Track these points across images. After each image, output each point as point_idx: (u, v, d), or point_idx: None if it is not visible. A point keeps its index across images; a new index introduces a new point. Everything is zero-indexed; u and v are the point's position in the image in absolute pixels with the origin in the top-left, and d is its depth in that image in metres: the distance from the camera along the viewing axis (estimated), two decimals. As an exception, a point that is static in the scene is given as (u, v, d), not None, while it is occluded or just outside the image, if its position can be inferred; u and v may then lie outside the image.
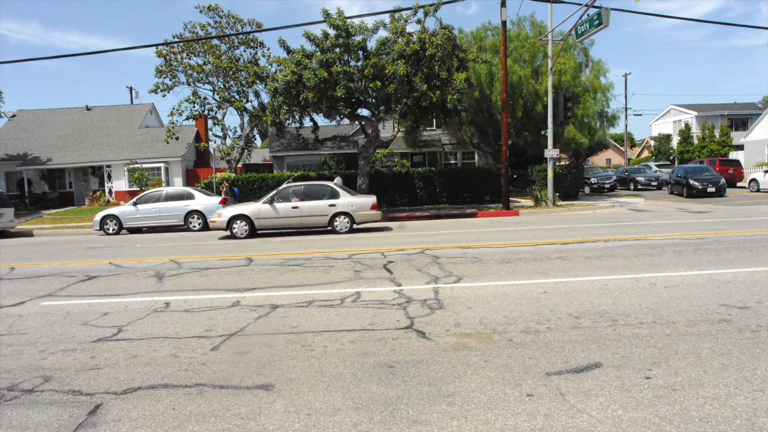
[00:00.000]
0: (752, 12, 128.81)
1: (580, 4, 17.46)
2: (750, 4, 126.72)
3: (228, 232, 14.32)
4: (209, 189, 21.15)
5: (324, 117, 20.11)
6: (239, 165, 29.37)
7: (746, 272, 6.69)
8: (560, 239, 10.65)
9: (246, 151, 28.49)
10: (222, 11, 25.85)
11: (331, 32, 17.67)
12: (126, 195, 28.20)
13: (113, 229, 17.12)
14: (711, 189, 22.15)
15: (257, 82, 25.31)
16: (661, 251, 8.57)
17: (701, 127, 42.79)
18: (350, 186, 21.34)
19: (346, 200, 14.47)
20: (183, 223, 17.21)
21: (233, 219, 14.24)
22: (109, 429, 3.07)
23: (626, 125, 51.22)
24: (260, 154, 42.80)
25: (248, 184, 22.44)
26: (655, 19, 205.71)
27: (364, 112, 20.23)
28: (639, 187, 30.94)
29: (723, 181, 22.81)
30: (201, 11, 25.48)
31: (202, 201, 17.37)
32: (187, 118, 26.98)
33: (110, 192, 30.35)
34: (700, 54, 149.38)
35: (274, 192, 14.74)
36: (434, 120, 25.62)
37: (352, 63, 18.00)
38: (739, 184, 29.88)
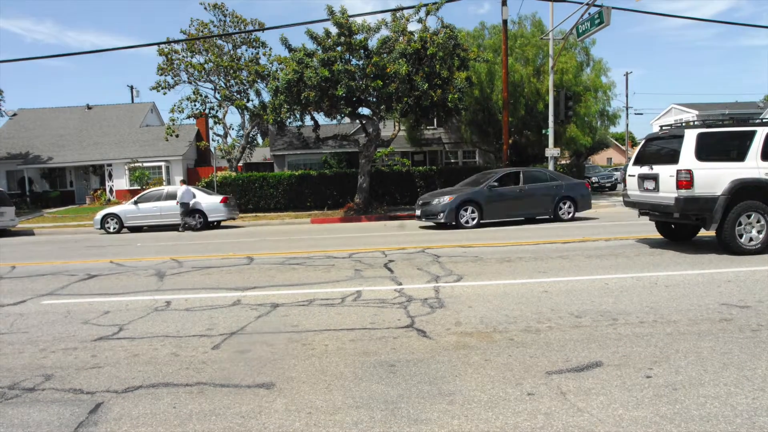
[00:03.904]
0: (763, 12, 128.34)
1: (581, 3, 17.42)
2: (760, 3, 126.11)
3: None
4: (210, 188, 21.16)
5: (325, 116, 20.10)
6: (240, 164, 29.37)
7: (747, 271, 6.69)
8: (561, 238, 10.65)
9: (247, 149, 28.49)
10: (226, 9, 25.90)
11: (334, 30, 17.66)
12: (127, 194, 28.22)
13: (114, 228, 17.15)
14: None
15: (258, 80, 25.32)
16: (662, 250, 8.56)
17: (703, 126, 42.59)
18: (351, 185, 21.35)
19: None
20: (184, 221, 17.22)
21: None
22: (110, 428, 3.07)
23: (627, 124, 51.15)
24: (261, 152, 42.80)
25: (249, 183, 22.45)
26: (664, 19, 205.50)
27: (365, 110, 20.23)
28: None
29: None
30: (206, 8, 25.59)
31: (203, 200, 17.38)
32: (188, 117, 27.01)
33: (111, 191, 30.37)
34: (709, 53, 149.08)
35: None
36: (435, 119, 25.58)
37: (354, 62, 17.99)
38: None
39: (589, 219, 15.17)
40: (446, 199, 13.60)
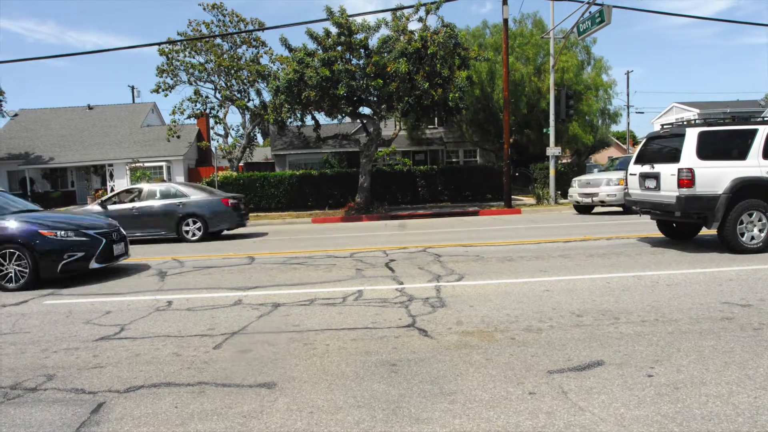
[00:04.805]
0: (764, 10, 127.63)
1: (582, 2, 17.42)
2: (761, 2, 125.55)
3: None
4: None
5: (326, 115, 20.09)
6: (241, 164, 29.37)
7: (749, 270, 6.68)
8: (562, 237, 10.63)
9: (248, 149, 28.50)
10: (225, 9, 25.90)
11: (334, 30, 17.65)
12: (128, 194, 28.19)
13: (115, 228, 17.15)
14: None
15: (259, 80, 25.32)
16: (663, 249, 8.56)
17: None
18: (352, 184, 21.35)
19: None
20: (185, 221, 17.21)
21: None
22: (111, 427, 3.08)
23: (628, 123, 51.11)
24: (262, 152, 42.83)
25: (250, 183, 22.46)
26: (665, 18, 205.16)
27: (365, 110, 20.21)
28: None
29: None
30: (205, 9, 25.60)
31: (203, 200, 17.34)
32: (189, 117, 27.00)
33: (112, 191, 30.42)
34: (710, 52, 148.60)
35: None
36: (436, 118, 25.58)
37: (354, 61, 17.97)
38: None
39: (230, 239, 13.61)
40: None
